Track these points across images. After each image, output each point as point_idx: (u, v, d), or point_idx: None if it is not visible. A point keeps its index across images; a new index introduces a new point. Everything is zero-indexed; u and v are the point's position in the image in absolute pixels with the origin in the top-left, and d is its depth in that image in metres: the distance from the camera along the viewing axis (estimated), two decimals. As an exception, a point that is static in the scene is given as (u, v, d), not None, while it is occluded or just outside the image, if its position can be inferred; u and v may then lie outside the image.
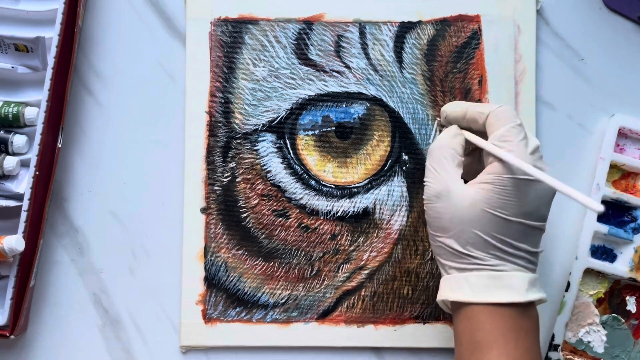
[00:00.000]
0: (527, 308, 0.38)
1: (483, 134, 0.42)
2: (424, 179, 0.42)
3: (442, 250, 0.40)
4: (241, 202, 0.48)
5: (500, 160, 0.39)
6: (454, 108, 0.44)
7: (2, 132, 0.47)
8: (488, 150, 0.40)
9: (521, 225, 0.38)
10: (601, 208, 0.35)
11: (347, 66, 0.49)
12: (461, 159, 0.41)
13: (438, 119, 0.48)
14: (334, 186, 0.48)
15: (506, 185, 0.38)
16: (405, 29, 0.49)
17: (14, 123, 0.47)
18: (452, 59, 0.49)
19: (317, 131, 0.48)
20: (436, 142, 0.42)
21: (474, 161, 0.44)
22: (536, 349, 0.38)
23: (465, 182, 0.40)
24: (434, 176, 0.41)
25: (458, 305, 0.39)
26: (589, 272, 0.48)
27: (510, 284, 0.38)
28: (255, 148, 0.48)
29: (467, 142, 0.42)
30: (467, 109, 0.43)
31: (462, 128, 0.43)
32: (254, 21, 0.49)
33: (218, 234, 0.48)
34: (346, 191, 0.48)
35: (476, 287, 0.38)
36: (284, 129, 0.48)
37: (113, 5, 0.50)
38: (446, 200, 0.39)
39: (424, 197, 0.41)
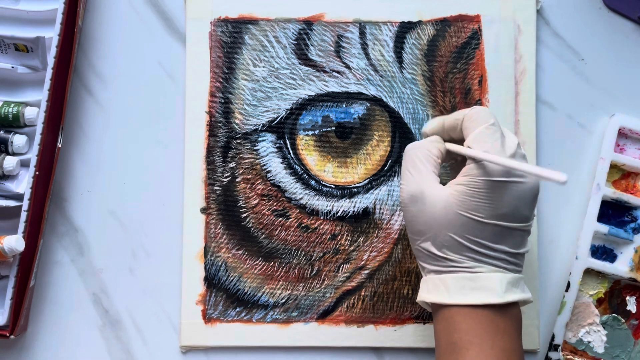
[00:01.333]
0: (506, 309, 0.38)
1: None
2: (400, 182, 0.41)
3: (420, 253, 0.40)
4: (241, 202, 0.48)
5: (475, 162, 0.38)
6: (431, 124, 0.44)
7: (2, 132, 0.47)
8: (461, 152, 0.40)
9: (497, 227, 0.37)
10: (564, 178, 0.34)
11: (347, 66, 0.49)
12: (437, 160, 0.40)
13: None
14: (334, 186, 0.48)
15: (480, 187, 0.37)
16: (405, 28, 0.49)
17: (14, 123, 0.47)
18: (452, 58, 0.49)
19: (317, 131, 0.48)
20: (412, 144, 0.42)
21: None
22: (516, 349, 0.38)
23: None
24: (408, 179, 0.40)
25: (437, 307, 0.39)
26: (589, 272, 0.48)
27: (485, 286, 0.37)
28: (255, 148, 0.48)
29: (449, 153, 0.42)
30: (445, 119, 0.42)
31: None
32: (254, 21, 0.49)
33: (218, 234, 0.48)
34: (346, 191, 0.48)
35: (452, 288, 0.38)
36: (284, 129, 0.48)
37: (113, 5, 0.50)
38: (420, 204, 0.39)
39: (399, 200, 0.41)
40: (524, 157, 0.40)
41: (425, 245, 0.39)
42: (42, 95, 0.46)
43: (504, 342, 0.37)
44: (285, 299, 0.48)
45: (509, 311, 0.38)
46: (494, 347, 0.37)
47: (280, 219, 0.48)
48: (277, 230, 0.48)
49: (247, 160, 0.48)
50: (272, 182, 0.48)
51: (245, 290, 0.48)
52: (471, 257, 0.38)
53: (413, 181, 0.40)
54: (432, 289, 0.39)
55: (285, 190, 0.48)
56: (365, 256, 0.48)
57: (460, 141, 0.41)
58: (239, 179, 0.48)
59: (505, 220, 0.38)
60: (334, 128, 0.48)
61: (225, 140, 0.49)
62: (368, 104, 0.49)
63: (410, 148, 0.41)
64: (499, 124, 0.40)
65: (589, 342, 0.48)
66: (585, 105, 0.50)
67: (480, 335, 0.37)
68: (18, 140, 0.47)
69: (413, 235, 0.40)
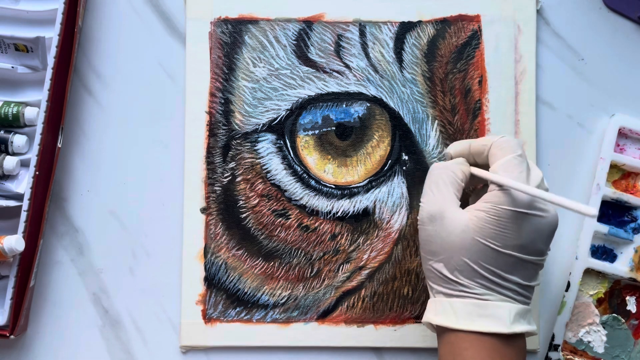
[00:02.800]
0: (512, 339, 0.38)
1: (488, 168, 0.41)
2: (420, 200, 0.41)
3: (430, 273, 0.40)
4: (241, 202, 0.48)
5: (498, 189, 0.38)
6: (457, 147, 0.43)
7: (2, 132, 0.47)
8: (487, 178, 0.39)
9: (512, 257, 0.37)
10: (594, 212, 0.35)
11: (347, 66, 0.49)
12: (461, 184, 0.40)
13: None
14: (334, 186, 0.48)
15: (501, 216, 0.37)
16: (405, 28, 0.49)
17: (14, 123, 0.47)
18: (452, 58, 0.49)
19: (317, 131, 0.48)
20: (438, 164, 0.42)
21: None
22: None
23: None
24: (429, 198, 0.40)
25: (442, 329, 0.39)
26: (589, 272, 0.48)
27: (494, 314, 0.37)
28: (255, 148, 0.48)
29: (473, 177, 0.42)
30: (471, 143, 0.42)
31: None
32: (254, 21, 0.49)
33: (218, 234, 0.48)
34: (346, 191, 0.48)
35: (460, 313, 0.38)
36: (284, 129, 0.48)
37: (113, 5, 0.50)
38: (439, 224, 0.39)
39: (418, 217, 0.41)
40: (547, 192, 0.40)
41: (438, 266, 0.39)
42: (42, 95, 0.46)
43: None
44: (285, 299, 0.48)
45: (515, 342, 0.38)
46: None
47: (280, 219, 0.48)
48: (277, 230, 0.48)
49: (247, 160, 0.48)
50: (272, 182, 0.48)
51: (245, 290, 0.48)
52: (482, 284, 0.38)
53: (434, 201, 0.40)
54: (439, 312, 0.39)
55: (285, 190, 0.48)
56: (365, 256, 0.48)
57: (485, 167, 0.41)
58: (239, 179, 0.48)
59: (521, 251, 0.38)
60: (334, 128, 0.48)
61: (225, 140, 0.49)
62: (368, 104, 0.49)
63: (435, 168, 0.42)
64: (525, 156, 0.40)
65: (589, 342, 0.48)
66: (585, 105, 0.50)
67: None
68: (18, 140, 0.47)
69: (426, 254, 0.40)
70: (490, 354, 0.37)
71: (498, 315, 0.37)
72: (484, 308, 0.37)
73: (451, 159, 0.44)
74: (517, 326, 0.37)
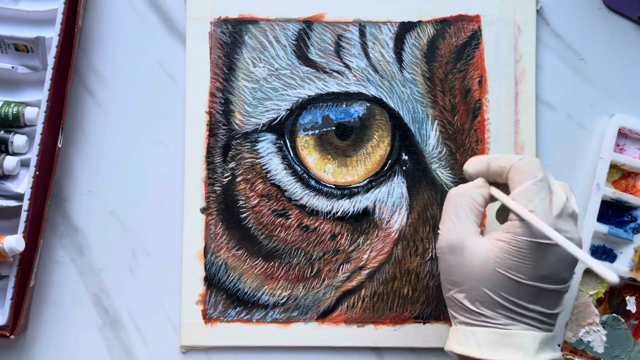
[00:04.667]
0: None
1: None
2: (439, 227, 0.40)
3: (452, 302, 0.39)
4: (241, 202, 0.48)
5: (519, 219, 0.37)
6: (475, 165, 0.42)
7: (2, 132, 0.47)
8: (506, 204, 0.38)
9: (535, 287, 0.37)
10: (616, 279, 0.33)
11: (347, 66, 0.49)
12: (481, 209, 0.39)
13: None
14: (334, 186, 0.48)
15: (522, 247, 0.36)
16: (405, 29, 0.49)
17: (14, 123, 0.47)
18: (452, 58, 0.49)
19: (317, 131, 0.48)
20: (457, 189, 0.41)
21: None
22: None
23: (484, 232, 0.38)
24: (449, 227, 0.39)
25: (465, 358, 0.38)
26: (589, 272, 0.48)
27: (518, 343, 0.37)
28: (255, 148, 0.48)
29: (492, 197, 0.41)
30: (489, 163, 0.40)
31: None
32: (254, 21, 0.49)
33: (218, 234, 0.48)
34: (346, 191, 0.48)
35: (483, 343, 0.37)
36: (284, 129, 0.48)
37: (113, 5, 0.50)
38: (459, 255, 0.38)
39: (436, 246, 0.40)
40: (572, 216, 0.38)
41: (459, 296, 0.39)
42: (42, 95, 0.46)
43: None
44: (285, 298, 0.48)
45: None
46: None
47: (280, 219, 0.48)
48: (277, 230, 0.48)
49: (247, 160, 0.48)
50: (272, 182, 0.48)
51: (245, 290, 0.48)
52: (505, 315, 0.37)
53: (454, 230, 0.39)
54: (462, 341, 0.38)
55: (285, 190, 0.48)
56: (365, 256, 0.48)
57: (505, 186, 0.40)
58: (239, 179, 0.48)
59: (543, 282, 0.37)
60: (334, 128, 0.48)
61: (225, 140, 0.49)
62: (368, 104, 0.49)
63: (453, 195, 0.40)
64: (547, 178, 0.38)
65: (589, 342, 0.48)
66: (585, 105, 0.50)
67: None
68: (18, 140, 0.47)
69: (447, 284, 0.39)
70: None
71: (522, 344, 0.36)
72: (507, 337, 0.37)
73: (470, 176, 0.42)
74: (543, 355, 0.37)
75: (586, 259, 0.34)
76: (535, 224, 0.36)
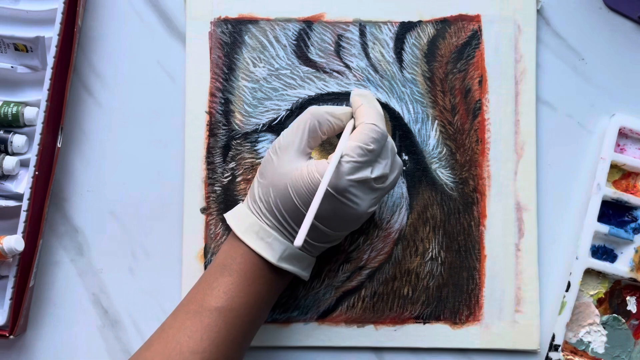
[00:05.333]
0: (280, 271, 0.42)
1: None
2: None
3: (252, 185, 0.43)
4: (241, 202, 0.48)
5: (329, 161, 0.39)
6: (354, 99, 0.43)
7: (1, 132, 0.47)
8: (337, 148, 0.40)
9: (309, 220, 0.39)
10: (299, 244, 0.37)
11: (347, 66, 0.49)
12: (322, 136, 0.42)
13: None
14: (334, 186, 0.48)
15: (315, 184, 0.39)
16: (405, 28, 0.49)
17: (13, 123, 0.47)
18: (452, 58, 0.49)
19: (317, 131, 0.48)
20: (316, 108, 0.42)
21: None
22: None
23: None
24: (287, 131, 0.42)
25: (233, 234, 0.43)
26: (589, 272, 0.48)
27: (269, 243, 0.41)
28: (256, 148, 0.48)
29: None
30: (361, 105, 0.42)
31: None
32: (254, 21, 0.49)
33: (218, 234, 0.48)
34: (346, 191, 0.48)
35: (243, 226, 0.41)
36: (284, 129, 0.48)
37: (113, 5, 0.50)
38: (277, 157, 0.41)
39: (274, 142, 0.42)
40: (375, 190, 0.41)
41: (255, 183, 0.42)
42: (41, 95, 0.46)
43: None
44: (285, 299, 0.48)
45: (282, 275, 0.42)
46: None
47: (280, 219, 0.48)
48: (277, 230, 0.48)
49: (247, 160, 0.48)
50: (272, 182, 0.48)
51: (245, 291, 0.48)
52: (276, 223, 0.41)
53: (286, 136, 0.42)
54: (234, 214, 0.43)
55: (285, 190, 0.48)
56: (365, 256, 0.48)
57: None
58: (239, 179, 0.48)
59: (319, 220, 0.40)
60: (334, 128, 0.48)
61: (225, 140, 0.49)
62: (368, 104, 0.48)
63: (310, 111, 0.42)
64: (378, 152, 0.40)
65: (590, 342, 0.48)
66: (586, 105, 0.50)
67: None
68: (18, 140, 0.47)
69: (259, 171, 0.43)
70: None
71: (272, 245, 0.41)
72: (265, 233, 0.41)
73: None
74: (284, 264, 0.41)
75: (308, 216, 0.37)
76: (325, 173, 0.38)
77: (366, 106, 0.42)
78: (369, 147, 0.40)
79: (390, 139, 0.42)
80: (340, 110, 0.43)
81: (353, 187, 0.40)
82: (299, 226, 0.40)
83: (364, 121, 0.41)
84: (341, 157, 0.39)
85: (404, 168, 0.48)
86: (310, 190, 0.39)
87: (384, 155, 0.41)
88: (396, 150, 0.43)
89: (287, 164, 0.40)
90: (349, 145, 0.40)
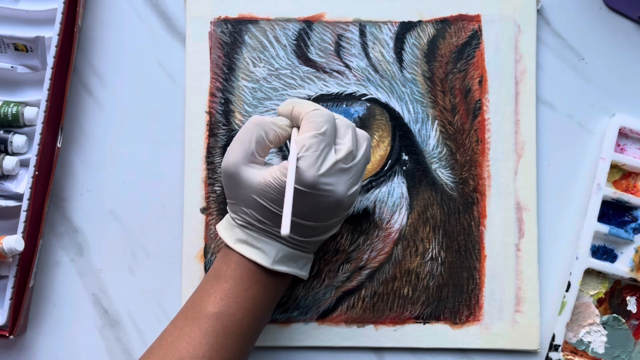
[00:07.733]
0: (275, 274, 0.42)
1: None
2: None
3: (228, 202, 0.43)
4: (241, 202, 0.48)
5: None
6: (284, 107, 0.43)
7: (1, 132, 0.47)
8: (290, 151, 0.40)
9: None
10: (285, 232, 0.36)
11: (347, 66, 0.49)
12: (270, 145, 0.41)
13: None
14: (334, 186, 0.48)
15: (282, 186, 0.39)
16: (405, 28, 0.49)
17: (13, 123, 0.47)
18: (452, 58, 0.49)
19: (317, 131, 0.48)
20: (257, 118, 0.41)
21: None
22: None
23: None
24: (230, 150, 0.41)
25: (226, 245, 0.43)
26: (589, 272, 0.48)
27: (262, 248, 0.41)
28: (255, 148, 0.48)
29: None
30: (293, 107, 0.42)
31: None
32: (254, 21, 0.49)
33: (218, 234, 0.48)
34: (346, 191, 0.48)
35: (235, 236, 0.41)
36: (284, 128, 0.48)
37: (113, 5, 0.50)
38: (233, 179, 0.41)
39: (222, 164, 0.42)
40: (343, 170, 0.40)
41: (230, 201, 0.42)
42: (41, 95, 0.46)
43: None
44: (285, 299, 0.48)
45: (278, 278, 0.42)
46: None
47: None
48: (277, 230, 0.48)
49: (247, 160, 0.48)
50: (272, 182, 0.48)
51: (245, 291, 0.48)
52: (259, 228, 0.41)
53: (232, 155, 0.41)
54: (225, 227, 0.43)
55: (285, 190, 0.48)
56: (365, 256, 0.48)
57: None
58: (238, 179, 0.48)
59: (299, 217, 0.40)
60: (334, 128, 0.48)
61: (225, 140, 0.49)
62: (368, 104, 0.49)
63: (251, 122, 0.41)
64: (331, 133, 0.40)
65: (590, 342, 0.48)
66: (586, 105, 0.50)
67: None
68: (17, 140, 0.47)
69: (226, 192, 0.42)
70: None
71: (264, 250, 0.41)
72: (256, 240, 0.41)
73: (278, 115, 0.44)
74: (280, 266, 0.41)
75: (287, 207, 0.37)
76: (287, 172, 0.38)
77: (298, 103, 0.42)
78: (320, 130, 0.39)
79: (341, 116, 0.42)
80: (282, 120, 0.42)
81: (323, 177, 0.39)
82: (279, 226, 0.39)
83: (305, 113, 0.41)
84: (299, 152, 0.39)
85: (404, 168, 0.48)
86: (282, 194, 0.39)
87: (342, 134, 0.41)
88: (355, 124, 0.43)
89: (246, 179, 0.40)
90: (301, 139, 0.39)
